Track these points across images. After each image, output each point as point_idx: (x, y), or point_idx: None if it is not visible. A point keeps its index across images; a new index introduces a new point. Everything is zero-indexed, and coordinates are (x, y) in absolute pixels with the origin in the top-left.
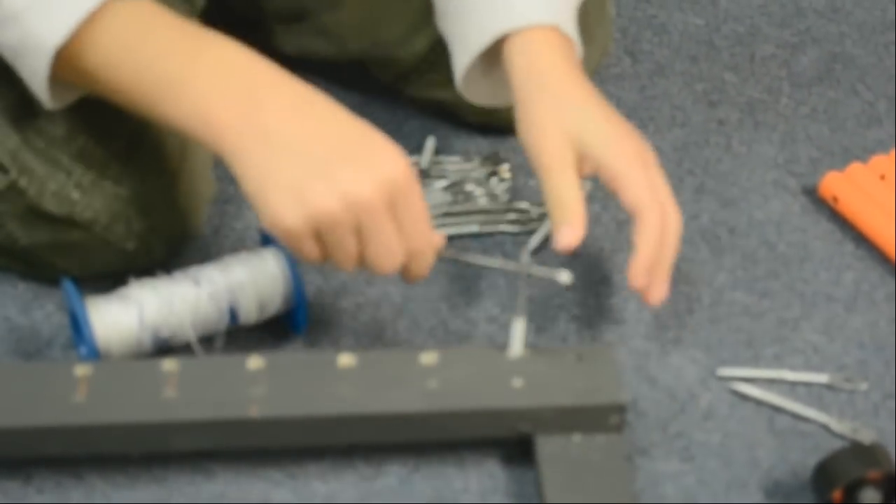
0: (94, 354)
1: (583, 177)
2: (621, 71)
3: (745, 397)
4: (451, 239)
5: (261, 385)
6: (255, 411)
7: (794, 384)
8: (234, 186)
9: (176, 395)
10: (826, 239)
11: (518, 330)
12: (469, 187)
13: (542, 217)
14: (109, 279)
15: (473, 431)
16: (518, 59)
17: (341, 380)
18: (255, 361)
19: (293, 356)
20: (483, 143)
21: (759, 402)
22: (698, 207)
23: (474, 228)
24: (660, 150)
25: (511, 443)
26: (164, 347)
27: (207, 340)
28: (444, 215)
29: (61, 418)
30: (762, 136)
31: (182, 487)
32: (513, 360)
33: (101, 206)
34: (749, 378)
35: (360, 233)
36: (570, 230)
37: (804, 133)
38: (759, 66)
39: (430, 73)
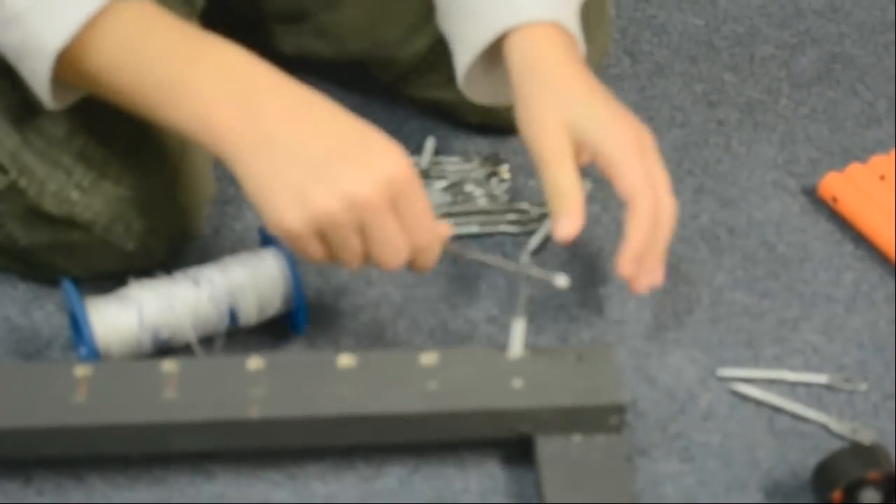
0: (94, 355)
1: (581, 165)
2: (621, 71)
3: (744, 398)
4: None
5: (261, 386)
6: (255, 412)
7: (793, 384)
8: (233, 187)
9: (176, 395)
10: (825, 239)
11: (518, 330)
12: (469, 188)
13: (542, 217)
14: (109, 280)
15: (473, 432)
16: (518, 55)
17: (341, 380)
18: (255, 362)
19: (293, 357)
20: (483, 144)
21: (758, 403)
22: (698, 208)
23: (474, 229)
24: (660, 151)
25: (511, 443)
26: (164, 348)
27: (207, 341)
28: (443, 216)
29: (61, 419)
30: (762, 137)
31: (182, 488)
32: (513, 361)
33: (100, 207)
34: (749, 378)
35: (363, 231)
36: (569, 221)
37: (804, 133)
38: (759, 66)
39: (430, 74)
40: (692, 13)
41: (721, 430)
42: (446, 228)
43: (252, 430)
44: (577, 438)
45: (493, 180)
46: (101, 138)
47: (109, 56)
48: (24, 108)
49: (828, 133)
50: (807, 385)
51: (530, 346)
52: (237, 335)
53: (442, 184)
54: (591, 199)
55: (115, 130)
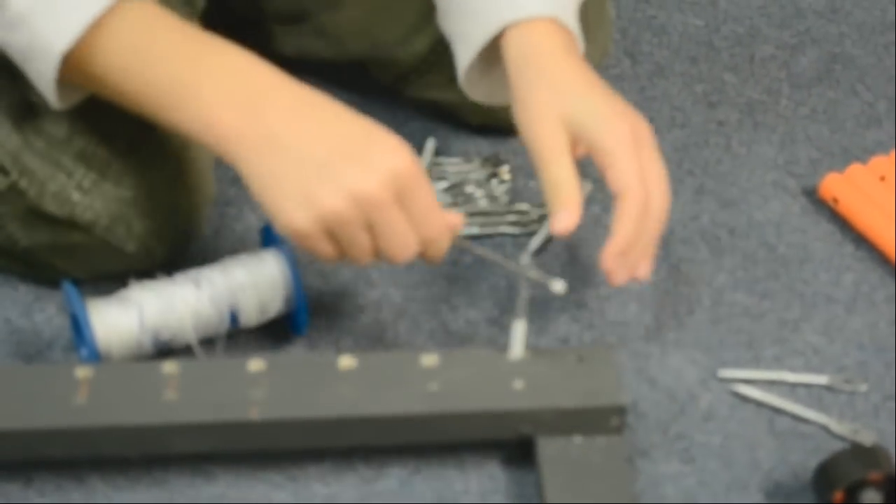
0: (95, 356)
1: (577, 158)
2: (621, 72)
3: (745, 399)
4: None
5: (261, 387)
6: (255, 413)
7: (794, 385)
8: (234, 188)
9: (176, 397)
10: (826, 240)
11: (519, 332)
12: (469, 189)
13: (543, 219)
14: (110, 281)
15: (474, 433)
16: (516, 50)
17: (342, 382)
18: (255, 363)
19: (294, 358)
20: (483, 145)
21: (759, 404)
22: (698, 208)
23: (474, 230)
24: (660, 151)
25: (512, 444)
26: (165, 349)
27: (208, 342)
28: None
29: (62, 420)
30: (762, 137)
31: (182, 489)
32: (513, 362)
33: (101, 208)
34: (749, 379)
35: (371, 228)
36: (566, 214)
37: (804, 134)
38: (759, 66)
39: (430, 75)
40: (692, 14)
41: (722, 431)
42: (457, 218)
43: (252, 431)
44: (577, 439)
45: (494, 181)
46: (101, 139)
47: (114, 57)
48: (25, 108)
49: (828, 134)
50: (807, 386)
51: (531, 348)
52: (238, 336)
53: (442, 185)
54: (591, 200)
55: (115, 131)
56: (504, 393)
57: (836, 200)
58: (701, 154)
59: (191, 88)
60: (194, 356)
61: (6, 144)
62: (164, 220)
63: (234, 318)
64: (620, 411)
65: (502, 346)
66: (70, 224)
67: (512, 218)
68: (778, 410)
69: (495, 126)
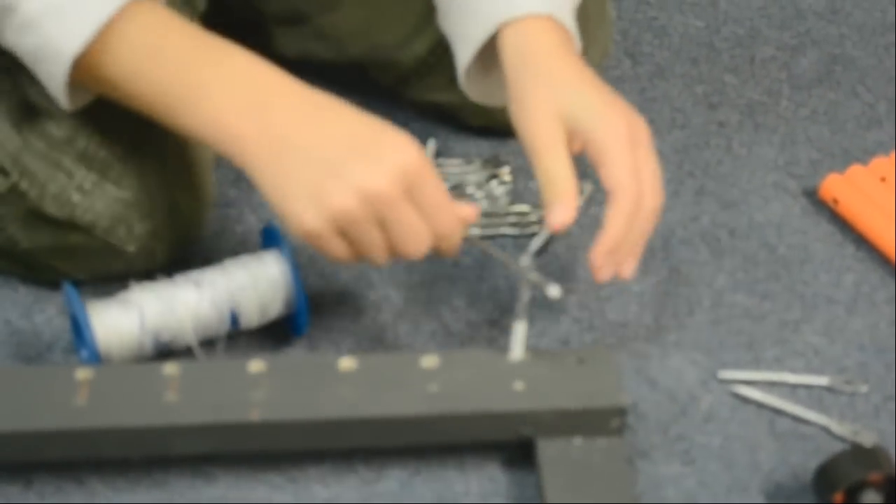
0: (95, 358)
1: (573, 153)
2: (621, 73)
3: (745, 400)
4: None
5: (262, 389)
6: (256, 415)
7: (794, 386)
8: (234, 190)
9: (177, 398)
10: (826, 241)
11: (519, 333)
12: (469, 190)
13: (543, 220)
14: (111, 283)
15: (474, 435)
16: (512, 47)
17: (342, 383)
18: (255, 365)
19: (294, 359)
20: (483, 146)
21: (759, 405)
22: (699, 209)
23: (475, 231)
24: (660, 153)
25: (512, 446)
26: (165, 351)
27: (208, 344)
28: None
29: (62, 422)
30: (762, 138)
31: (183, 491)
32: (514, 364)
33: (102, 209)
34: (750, 380)
35: (383, 225)
36: (562, 209)
37: (804, 135)
38: (760, 68)
39: (430, 77)
40: (693, 15)
41: (722, 432)
42: (470, 210)
43: (253, 432)
44: (578, 441)
45: (494, 182)
46: (102, 140)
47: (124, 61)
48: (25, 110)
49: (828, 135)
50: (808, 387)
51: (531, 349)
52: (238, 338)
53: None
54: (591, 201)
55: (116, 133)
56: (504, 394)
57: (836, 201)
58: (701, 155)
59: (200, 92)
60: (195, 357)
61: (7, 146)
62: (165, 221)
63: (234, 319)
64: (621, 412)
65: (502, 348)
66: (70, 225)
67: (512, 219)
68: (778, 411)
69: (496, 128)
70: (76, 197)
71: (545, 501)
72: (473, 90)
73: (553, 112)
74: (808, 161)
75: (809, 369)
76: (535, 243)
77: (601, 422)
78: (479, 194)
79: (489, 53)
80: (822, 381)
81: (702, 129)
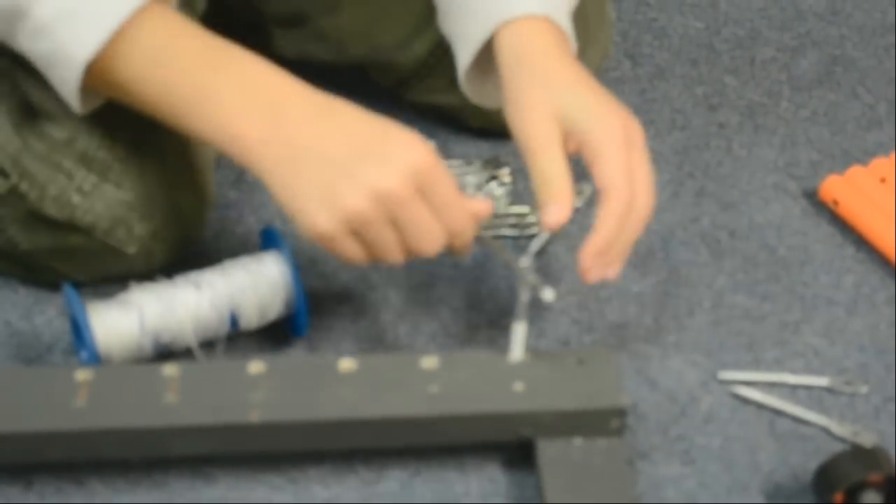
0: (95, 359)
1: (568, 154)
2: (621, 74)
3: (745, 400)
4: None
5: (261, 390)
6: (255, 416)
7: (794, 387)
8: (234, 191)
9: (177, 399)
10: (826, 242)
11: (519, 334)
12: (469, 191)
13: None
14: (110, 284)
15: (474, 435)
16: (508, 46)
17: (342, 384)
18: (255, 366)
19: (294, 360)
20: (483, 147)
21: (759, 406)
22: (699, 210)
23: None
24: (660, 154)
25: (512, 446)
26: (165, 352)
27: (208, 345)
28: None
29: (62, 423)
30: (762, 140)
31: (183, 492)
32: (513, 364)
33: (102, 211)
34: (750, 381)
35: (396, 224)
36: (556, 208)
37: (804, 136)
38: (760, 69)
39: (430, 78)
40: (693, 16)
41: (722, 432)
42: (484, 205)
43: (253, 433)
44: (578, 442)
45: (494, 183)
46: (102, 142)
47: (136, 66)
48: (25, 111)
49: (828, 136)
50: (808, 388)
51: (531, 350)
52: (238, 339)
53: None
54: (591, 202)
55: (116, 134)
56: (504, 395)
57: (836, 202)
58: (701, 156)
59: (212, 97)
60: (194, 359)
61: (6, 147)
62: (165, 222)
63: (234, 320)
64: (621, 413)
65: (502, 349)
66: (70, 227)
67: (512, 220)
68: (778, 412)
69: (496, 129)
70: (76, 198)
71: (545, 502)
72: (474, 92)
73: (548, 112)
74: (808, 162)
75: (809, 370)
76: (535, 244)
77: (601, 422)
78: (478, 196)
79: (489, 55)
80: (822, 381)
81: (702, 130)
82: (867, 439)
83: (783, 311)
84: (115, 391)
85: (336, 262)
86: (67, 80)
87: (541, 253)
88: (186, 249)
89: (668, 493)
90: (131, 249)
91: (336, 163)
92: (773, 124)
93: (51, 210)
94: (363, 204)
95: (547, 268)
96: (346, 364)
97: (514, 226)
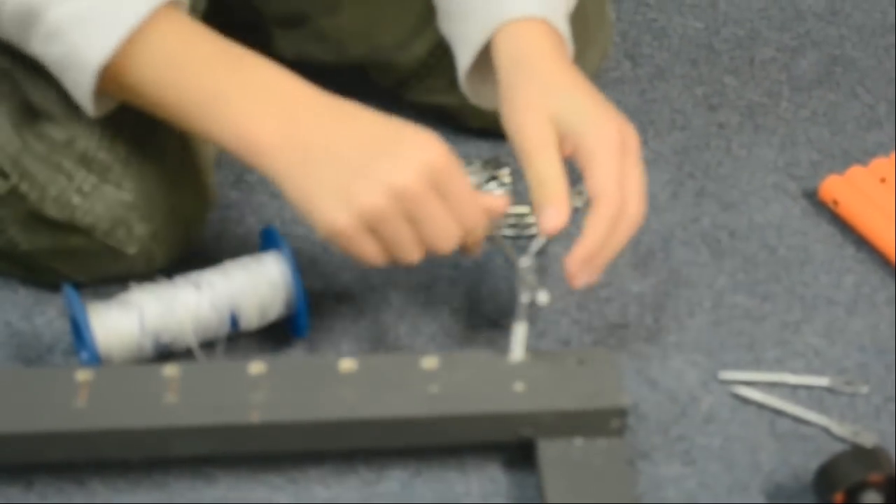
0: (96, 360)
1: (563, 157)
2: (621, 74)
3: (746, 400)
4: None
5: (262, 390)
6: (256, 416)
7: (795, 387)
8: (235, 192)
9: (177, 400)
10: (826, 242)
11: (519, 334)
12: None
13: None
14: (111, 284)
15: (475, 435)
16: (505, 48)
17: (342, 384)
18: (256, 366)
19: (294, 361)
20: (484, 148)
21: (760, 406)
22: (699, 211)
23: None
24: (660, 154)
25: (512, 447)
26: (166, 353)
27: (209, 345)
28: None
29: (62, 424)
30: (762, 140)
31: (183, 492)
32: (514, 364)
33: (102, 211)
34: (750, 381)
35: (412, 220)
36: (554, 212)
37: (804, 136)
38: (759, 69)
39: (430, 78)
40: (692, 16)
41: (722, 432)
42: (499, 201)
43: (253, 434)
44: (578, 442)
45: (494, 184)
46: (102, 143)
47: (149, 69)
48: (26, 112)
49: (828, 136)
50: (808, 388)
51: (531, 350)
52: (238, 339)
53: None
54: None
55: (116, 135)
56: (505, 395)
57: (836, 202)
58: (701, 157)
59: (225, 100)
60: (195, 359)
61: (7, 148)
62: (165, 223)
63: (234, 321)
64: (621, 413)
65: (503, 349)
66: (70, 228)
67: (512, 220)
68: (779, 412)
69: (496, 129)
70: (76, 199)
71: (546, 502)
72: (474, 93)
73: (544, 114)
74: (808, 162)
75: (810, 370)
76: (536, 244)
77: (601, 423)
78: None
79: (489, 56)
80: (822, 381)
81: (702, 130)
82: (867, 439)
83: (783, 311)
84: (116, 391)
85: (336, 262)
86: (81, 84)
87: (540, 253)
88: (187, 250)
89: (668, 494)
90: (131, 250)
91: (351, 161)
92: (773, 124)
93: (51, 211)
94: (379, 200)
95: (547, 268)
96: (347, 364)
97: (513, 226)
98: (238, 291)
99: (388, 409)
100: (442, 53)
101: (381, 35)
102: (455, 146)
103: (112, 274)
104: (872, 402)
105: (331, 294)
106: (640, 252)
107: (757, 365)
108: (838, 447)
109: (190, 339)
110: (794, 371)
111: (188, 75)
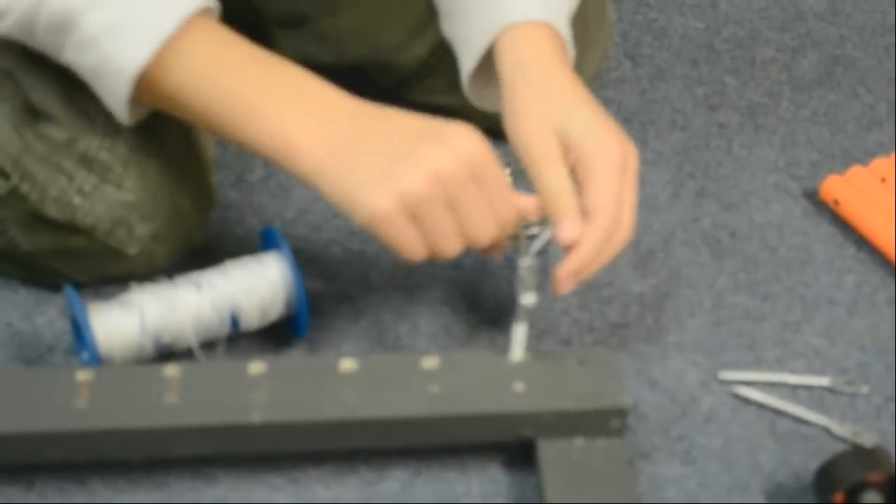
0: (96, 360)
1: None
2: (622, 75)
3: (746, 400)
4: None
5: (262, 390)
6: (256, 416)
7: (795, 387)
8: (235, 192)
9: (177, 400)
10: (827, 242)
11: (519, 334)
12: None
13: (543, 221)
14: (111, 285)
15: (475, 435)
16: (507, 52)
17: (343, 384)
18: (256, 366)
19: (295, 361)
20: None
21: (760, 406)
22: (699, 211)
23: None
24: (661, 154)
25: (513, 447)
26: (166, 353)
27: (209, 346)
28: None
29: (63, 424)
30: (763, 140)
31: (184, 492)
32: (514, 364)
33: (102, 212)
34: (750, 381)
35: (452, 209)
36: (570, 224)
37: (805, 136)
38: (760, 69)
39: (431, 79)
40: (693, 16)
41: (723, 432)
42: (530, 202)
43: (254, 434)
44: (578, 442)
45: None
46: (102, 143)
47: (183, 77)
48: (26, 112)
49: (829, 136)
50: (808, 388)
51: (531, 350)
52: (239, 340)
53: None
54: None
55: (116, 135)
56: (505, 395)
57: (836, 202)
58: (702, 157)
59: (259, 106)
60: (195, 359)
61: (7, 148)
62: (166, 223)
63: (234, 321)
64: (621, 413)
65: (503, 349)
66: (71, 228)
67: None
68: (779, 412)
69: (496, 130)
70: (77, 199)
71: (546, 502)
72: (477, 96)
73: (549, 125)
74: (808, 162)
75: (810, 370)
76: (536, 245)
77: (602, 423)
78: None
79: (491, 59)
80: (822, 381)
81: (702, 130)
82: (868, 439)
83: (784, 311)
84: (116, 392)
85: (336, 262)
86: (116, 92)
87: (540, 253)
88: (187, 250)
89: (668, 494)
90: (132, 250)
91: (391, 151)
92: (774, 124)
93: (51, 211)
94: (423, 184)
95: (547, 268)
96: (347, 364)
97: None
98: (238, 291)
99: (389, 410)
100: (442, 54)
101: (381, 35)
102: None
103: (113, 274)
104: (873, 402)
105: (331, 294)
106: (641, 252)
107: (757, 365)
108: (838, 447)
109: (190, 339)
110: (794, 371)
111: (222, 81)
